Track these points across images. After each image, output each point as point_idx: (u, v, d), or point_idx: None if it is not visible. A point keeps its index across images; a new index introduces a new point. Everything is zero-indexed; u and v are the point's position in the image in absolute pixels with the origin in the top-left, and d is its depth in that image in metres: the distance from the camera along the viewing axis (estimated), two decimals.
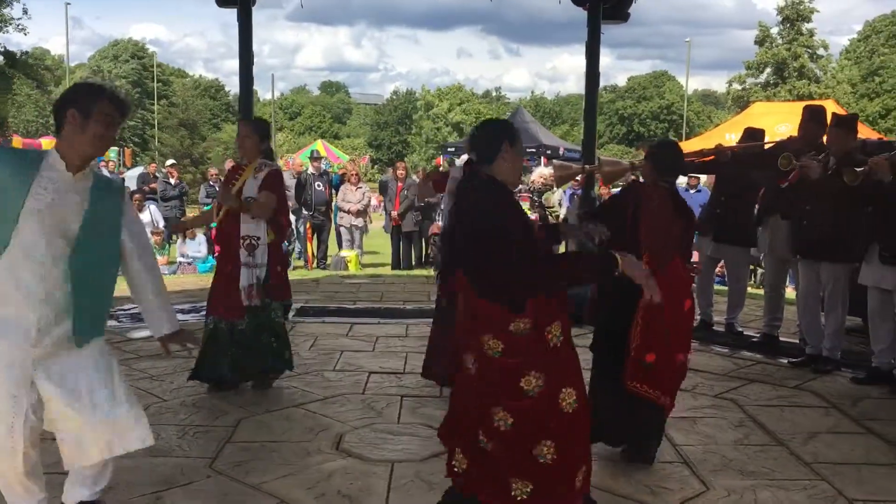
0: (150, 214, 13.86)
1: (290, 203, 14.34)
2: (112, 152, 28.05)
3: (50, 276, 2.92)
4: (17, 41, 50.92)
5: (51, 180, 2.93)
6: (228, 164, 15.89)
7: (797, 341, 6.58)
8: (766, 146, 7.09)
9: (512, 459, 3.03)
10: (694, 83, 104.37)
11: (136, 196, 14.04)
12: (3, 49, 24.61)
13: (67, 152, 2.97)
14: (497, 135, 3.18)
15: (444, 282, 5.12)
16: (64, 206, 2.94)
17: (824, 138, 6.14)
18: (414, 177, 13.82)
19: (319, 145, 31.74)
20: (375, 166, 51.18)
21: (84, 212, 2.99)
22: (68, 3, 45.32)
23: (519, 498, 3.02)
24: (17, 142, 23.15)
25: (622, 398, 4.01)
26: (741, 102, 45.42)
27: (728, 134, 15.27)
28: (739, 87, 50.78)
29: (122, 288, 3.27)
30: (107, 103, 2.98)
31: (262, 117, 5.33)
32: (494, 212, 3.01)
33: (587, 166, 6.58)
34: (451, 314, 3.36)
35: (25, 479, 3.05)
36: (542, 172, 13.06)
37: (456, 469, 3.22)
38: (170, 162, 16.81)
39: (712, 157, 6.98)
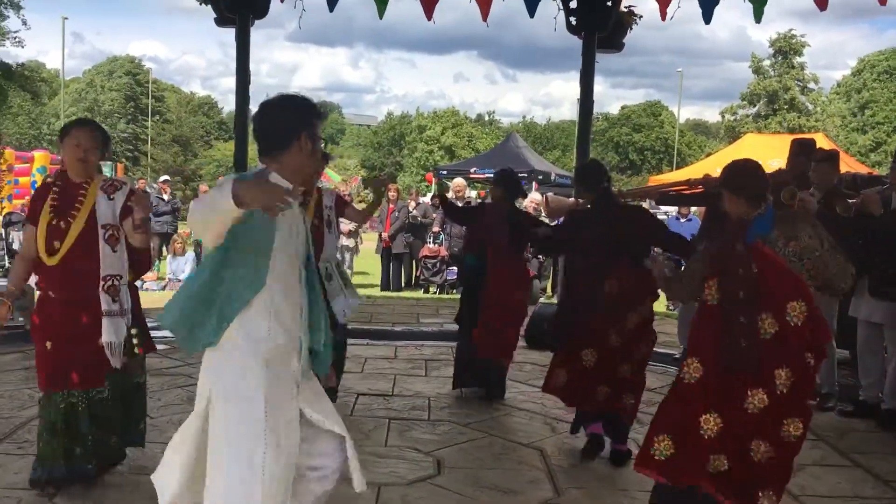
0: None
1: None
2: (106, 167, 28.04)
3: (299, 305, 2.78)
4: (14, 53, 51.06)
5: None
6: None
7: None
8: None
9: None
10: (687, 113, 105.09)
11: None
12: None
13: (292, 174, 2.73)
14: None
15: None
16: (297, 229, 2.81)
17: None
18: (409, 200, 13.84)
19: None
20: (367, 188, 51.20)
21: (304, 229, 2.86)
22: (66, 18, 45.72)
23: None
24: (10, 154, 23.03)
25: None
26: (733, 133, 45.80)
27: (719, 168, 15.32)
28: (732, 118, 51.26)
29: None
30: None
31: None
32: None
33: (623, 191, 6.79)
34: None
35: None
36: (533, 198, 13.12)
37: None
38: (163, 178, 16.82)
39: (701, 189, 7.01)
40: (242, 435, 2.60)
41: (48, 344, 3.84)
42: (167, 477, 2.79)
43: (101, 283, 3.79)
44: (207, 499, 2.65)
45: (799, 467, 4.64)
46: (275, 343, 2.67)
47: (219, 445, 2.64)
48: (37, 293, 4.07)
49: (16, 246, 13.27)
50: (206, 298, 2.64)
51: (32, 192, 21.62)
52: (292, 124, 2.74)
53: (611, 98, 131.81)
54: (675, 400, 3.50)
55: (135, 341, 3.93)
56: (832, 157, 6.19)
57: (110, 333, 3.81)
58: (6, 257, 13.58)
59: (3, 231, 14.45)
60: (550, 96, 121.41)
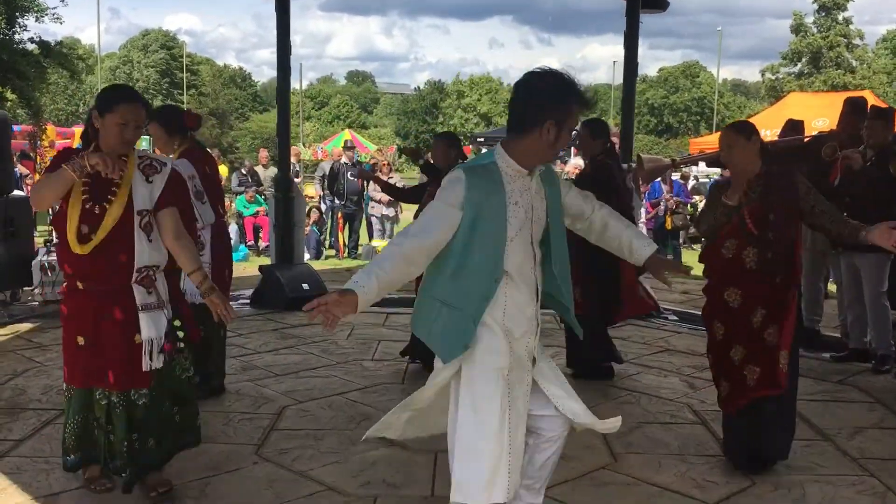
0: None
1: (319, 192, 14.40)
2: (144, 142, 28.31)
3: (535, 288, 2.82)
4: (52, 31, 51.78)
5: (517, 192, 2.72)
6: (262, 156, 16.04)
7: (839, 336, 6.51)
8: (806, 139, 7.01)
9: None
10: (725, 73, 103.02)
11: None
12: (38, 39, 24.82)
13: (526, 158, 2.71)
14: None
15: None
16: (533, 213, 2.76)
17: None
18: None
19: (347, 134, 31.79)
20: (403, 157, 51.23)
21: (547, 211, 2.82)
22: None
23: None
24: (52, 130, 23.41)
25: None
26: (774, 93, 44.86)
27: (764, 129, 15.02)
28: (773, 77, 50.17)
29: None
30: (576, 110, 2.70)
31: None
32: None
33: (676, 160, 6.69)
34: None
35: None
36: (575, 164, 13.05)
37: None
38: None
39: None
40: (487, 400, 2.71)
41: (80, 339, 3.42)
42: (393, 418, 3.03)
43: (135, 274, 3.34)
44: (452, 455, 2.80)
45: (857, 430, 4.62)
46: (512, 324, 2.75)
47: (465, 408, 2.74)
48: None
49: None
50: (448, 301, 2.72)
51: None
52: (540, 109, 2.65)
53: (649, 60, 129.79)
54: None
55: (179, 334, 3.50)
56: (886, 114, 6.03)
57: (149, 329, 3.38)
58: (53, 232, 13.85)
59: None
60: (586, 60, 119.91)
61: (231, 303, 3.66)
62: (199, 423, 3.78)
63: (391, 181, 13.59)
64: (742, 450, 4.01)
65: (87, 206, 3.28)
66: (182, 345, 3.52)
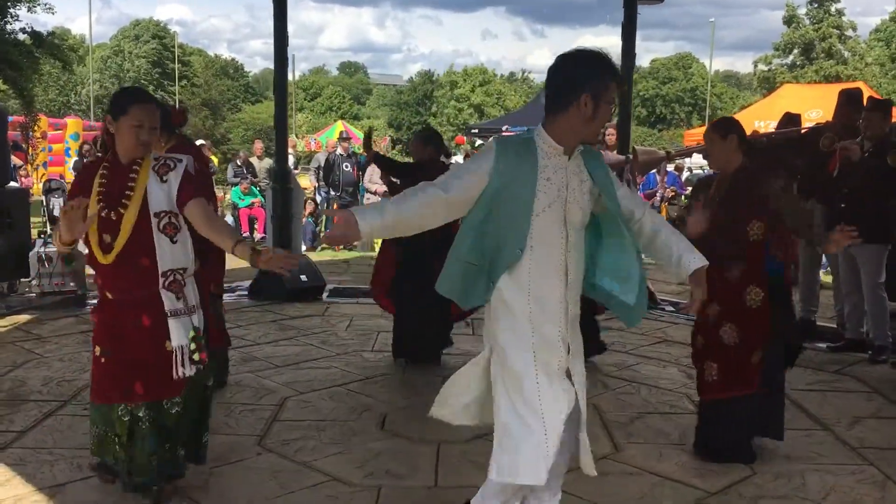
0: None
1: (318, 183, 14.36)
2: None
3: (566, 276, 2.74)
4: (43, 21, 51.55)
5: (552, 168, 2.69)
6: (258, 148, 15.97)
7: (835, 326, 6.55)
8: (803, 131, 7.04)
9: None
10: (718, 64, 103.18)
11: None
12: (30, 29, 24.79)
13: (564, 135, 2.69)
14: None
15: None
16: (569, 193, 2.71)
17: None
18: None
19: (341, 126, 31.70)
20: (396, 147, 51.19)
21: (593, 191, 2.77)
22: None
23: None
24: (44, 121, 23.34)
25: None
26: (767, 84, 44.94)
27: (758, 121, 15.04)
28: (765, 68, 50.25)
29: None
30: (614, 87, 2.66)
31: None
32: None
33: (671, 151, 6.68)
34: None
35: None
36: None
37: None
38: (199, 142, 16.88)
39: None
40: (515, 382, 2.70)
41: (97, 349, 3.36)
42: (445, 403, 3.01)
43: (162, 279, 3.25)
44: (495, 439, 2.77)
45: (855, 419, 4.65)
46: (537, 305, 2.71)
47: (498, 389, 2.76)
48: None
49: (56, 213, 13.43)
50: (473, 263, 2.74)
51: (68, 160, 21.73)
52: (575, 83, 2.64)
53: (641, 51, 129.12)
54: None
55: (192, 346, 3.33)
56: (884, 106, 6.06)
57: (179, 336, 3.29)
58: (47, 224, 13.81)
59: (43, 198, 14.63)
60: None
61: (227, 294, 3.63)
62: (205, 439, 3.66)
63: None
64: (700, 436, 4.17)
65: (104, 214, 3.22)
66: (198, 357, 3.35)
